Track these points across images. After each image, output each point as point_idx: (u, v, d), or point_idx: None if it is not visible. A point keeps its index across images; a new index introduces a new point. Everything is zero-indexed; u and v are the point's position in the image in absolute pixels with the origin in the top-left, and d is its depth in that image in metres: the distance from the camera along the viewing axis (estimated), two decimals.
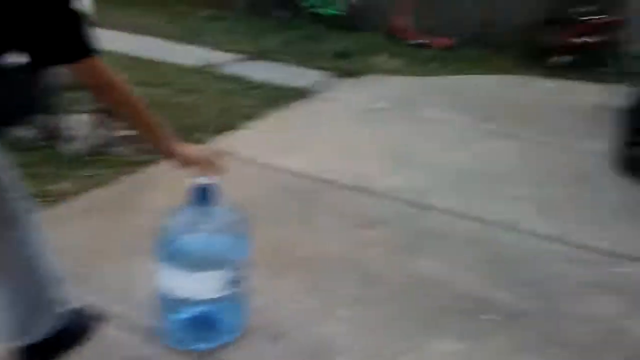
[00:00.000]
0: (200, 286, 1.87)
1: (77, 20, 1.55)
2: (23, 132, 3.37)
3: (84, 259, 2.36)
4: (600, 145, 3.80)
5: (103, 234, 2.61)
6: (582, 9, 5.77)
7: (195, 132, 3.78)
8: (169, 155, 1.83)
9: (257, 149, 3.58)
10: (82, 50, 1.55)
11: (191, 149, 1.88)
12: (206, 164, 1.86)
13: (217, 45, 5.92)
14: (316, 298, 2.24)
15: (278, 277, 2.32)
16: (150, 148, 2.13)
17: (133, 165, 3.30)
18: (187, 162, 1.83)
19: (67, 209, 2.83)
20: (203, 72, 5.12)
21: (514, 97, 4.94)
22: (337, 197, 3.06)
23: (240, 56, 5.68)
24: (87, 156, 3.35)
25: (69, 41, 1.54)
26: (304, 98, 4.60)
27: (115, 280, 2.25)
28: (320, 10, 6.89)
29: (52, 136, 3.44)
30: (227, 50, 5.81)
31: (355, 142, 3.80)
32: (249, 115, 4.13)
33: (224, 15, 7.22)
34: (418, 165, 3.48)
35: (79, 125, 3.47)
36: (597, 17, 5.70)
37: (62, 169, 3.22)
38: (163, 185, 3.02)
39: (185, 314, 1.95)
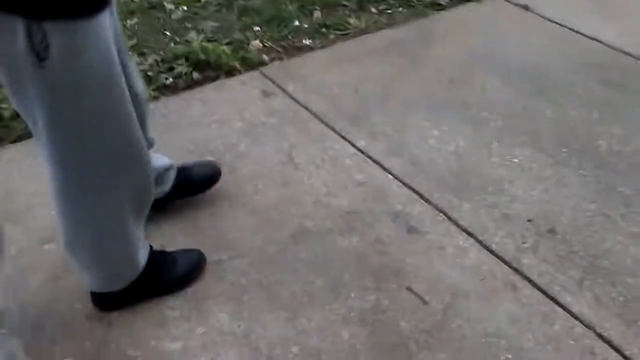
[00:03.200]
0: None
1: None
2: None
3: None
4: None
5: (383, 79, 2.50)
6: None
7: None
8: None
9: (560, 6, 3.09)
10: None
11: None
12: None
13: None
14: None
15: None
16: None
17: (433, 6, 3.05)
18: None
19: (358, 45, 2.77)
20: None
21: None
22: None
23: None
24: None
25: None
26: None
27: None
28: None
29: None
30: None
31: None
32: None
33: None
34: None
35: None
36: None
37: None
38: (460, 33, 2.80)
39: None
